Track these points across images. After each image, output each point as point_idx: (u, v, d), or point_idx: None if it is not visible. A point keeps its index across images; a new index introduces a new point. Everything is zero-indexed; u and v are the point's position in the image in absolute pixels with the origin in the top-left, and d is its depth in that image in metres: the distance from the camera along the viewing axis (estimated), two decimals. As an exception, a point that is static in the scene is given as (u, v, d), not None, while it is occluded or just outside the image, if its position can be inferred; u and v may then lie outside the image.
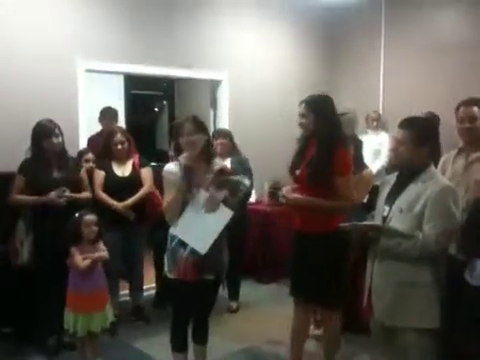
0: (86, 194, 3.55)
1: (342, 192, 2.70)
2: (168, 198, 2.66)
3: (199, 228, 2.63)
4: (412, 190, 2.29)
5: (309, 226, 2.78)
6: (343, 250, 2.79)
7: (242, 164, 4.12)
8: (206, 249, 2.61)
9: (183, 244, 2.62)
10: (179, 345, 2.84)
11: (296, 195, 2.78)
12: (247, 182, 2.75)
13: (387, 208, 2.37)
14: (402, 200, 2.30)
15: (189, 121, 2.68)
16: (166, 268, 2.73)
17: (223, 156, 4.05)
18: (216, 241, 2.63)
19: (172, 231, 2.68)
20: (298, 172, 2.79)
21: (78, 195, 3.45)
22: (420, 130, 2.32)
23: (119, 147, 3.80)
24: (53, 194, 3.26)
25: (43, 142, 3.34)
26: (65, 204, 3.30)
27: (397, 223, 2.29)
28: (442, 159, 2.97)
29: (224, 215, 2.67)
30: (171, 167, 2.69)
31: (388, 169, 5.14)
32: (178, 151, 2.71)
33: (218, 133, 4.27)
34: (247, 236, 4.43)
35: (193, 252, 2.60)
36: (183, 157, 2.65)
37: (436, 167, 2.67)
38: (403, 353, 2.31)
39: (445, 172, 2.82)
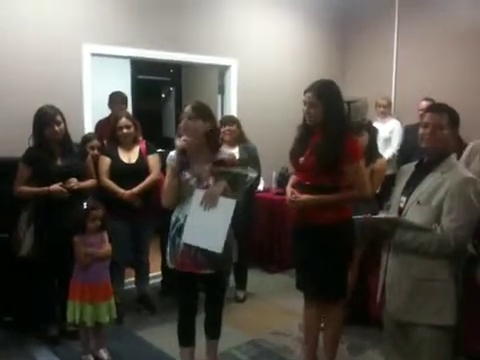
0: (91, 181, 3.48)
1: (352, 181, 2.60)
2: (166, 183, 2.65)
3: (206, 228, 2.52)
4: (431, 181, 2.18)
5: (312, 218, 2.67)
6: (345, 241, 2.69)
7: (250, 152, 4.04)
8: (221, 246, 2.51)
9: (180, 234, 2.58)
10: (184, 339, 2.79)
11: (304, 197, 2.65)
12: (252, 174, 2.64)
13: (404, 199, 2.26)
14: (420, 191, 2.19)
15: (190, 105, 2.62)
16: (167, 257, 2.70)
17: (231, 144, 3.97)
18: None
19: (174, 217, 2.66)
20: (302, 160, 2.68)
21: (84, 183, 3.38)
22: (452, 113, 2.23)
23: (124, 131, 3.71)
24: (57, 186, 3.19)
25: (44, 130, 3.26)
26: (69, 195, 3.24)
27: (414, 215, 2.18)
28: (468, 148, 2.87)
29: (227, 206, 2.54)
30: (172, 153, 2.65)
31: (399, 158, 5.05)
32: (178, 136, 2.67)
33: (225, 120, 4.19)
34: (255, 225, 4.37)
35: (186, 244, 2.56)
36: (178, 139, 2.59)
37: (459, 157, 2.58)
38: (416, 349, 2.23)
39: (471, 163, 2.72)
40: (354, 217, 2.30)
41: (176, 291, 2.79)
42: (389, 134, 5.21)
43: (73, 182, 3.26)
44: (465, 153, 2.81)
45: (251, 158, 3.96)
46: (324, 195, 2.61)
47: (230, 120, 4.16)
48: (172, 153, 2.66)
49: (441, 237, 2.10)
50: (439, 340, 2.17)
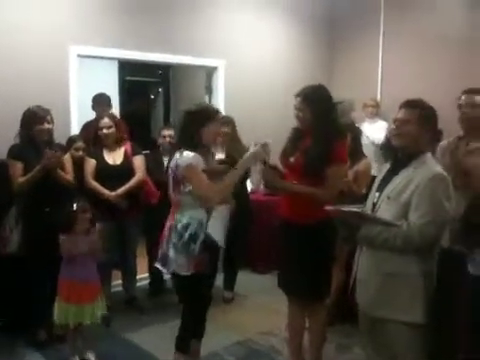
0: (68, 177, 3.45)
1: (329, 182, 2.62)
2: (214, 184, 2.58)
3: (219, 223, 2.67)
4: (402, 177, 2.18)
5: (296, 215, 2.69)
6: (328, 242, 2.72)
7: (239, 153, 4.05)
8: (223, 242, 2.69)
9: (193, 239, 2.57)
10: (186, 346, 2.79)
11: (280, 181, 2.72)
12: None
13: (377, 195, 2.28)
14: (391, 187, 2.20)
15: (218, 110, 2.77)
16: (175, 266, 2.61)
17: (224, 145, 3.99)
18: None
19: (179, 224, 2.60)
20: (292, 160, 2.71)
21: (63, 174, 3.38)
22: (424, 110, 2.22)
23: (104, 131, 3.71)
24: (47, 152, 3.21)
25: (34, 128, 3.28)
26: (58, 167, 3.30)
27: (385, 211, 2.18)
28: (439, 146, 2.91)
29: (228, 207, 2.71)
30: (195, 156, 2.57)
31: (383, 154, 5.05)
32: (193, 140, 2.61)
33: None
34: (249, 228, 4.38)
35: (204, 246, 2.58)
36: (255, 146, 2.68)
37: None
38: (389, 345, 2.23)
39: (444, 160, 2.75)
40: (327, 207, 2.27)
41: (189, 297, 2.76)
42: (377, 135, 5.22)
43: (55, 149, 3.30)
44: (437, 152, 2.84)
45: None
46: (300, 185, 2.66)
47: (225, 121, 4.05)
48: (194, 156, 2.57)
49: (406, 233, 2.09)
50: (411, 337, 2.16)
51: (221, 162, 2.84)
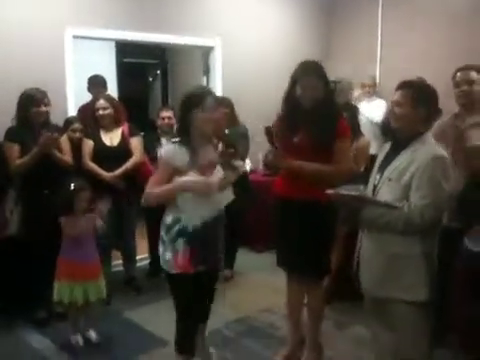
0: (66, 158, 3.48)
1: (339, 157, 2.64)
2: (163, 185, 2.34)
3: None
4: (402, 158, 2.18)
5: (297, 192, 2.68)
6: (329, 219, 2.71)
7: (239, 133, 4.06)
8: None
9: (181, 234, 2.36)
10: (190, 349, 2.53)
11: (299, 162, 2.65)
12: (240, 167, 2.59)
13: (378, 177, 2.28)
14: (391, 168, 2.20)
15: (210, 94, 2.41)
16: (162, 262, 2.44)
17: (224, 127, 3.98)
18: (212, 232, 2.45)
19: (168, 219, 2.41)
20: (296, 139, 2.67)
21: (60, 155, 3.41)
22: (418, 90, 2.21)
23: (100, 112, 3.71)
24: (44, 135, 3.22)
25: (31, 110, 3.29)
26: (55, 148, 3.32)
27: (386, 193, 2.19)
28: (436, 124, 2.89)
29: (227, 197, 2.55)
30: (175, 150, 2.35)
31: (383, 134, 5.05)
32: (185, 128, 2.39)
33: (219, 102, 4.14)
34: (249, 209, 4.40)
35: (190, 242, 2.36)
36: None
37: None
38: (393, 324, 2.27)
39: (442, 138, 2.74)
40: (327, 191, 2.25)
41: (177, 296, 2.50)
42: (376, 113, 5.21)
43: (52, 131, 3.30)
44: (434, 130, 2.83)
45: (241, 136, 4.01)
46: (317, 164, 2.63)
47: (224, 103, 3.99)
48: (173, 149, 2.36)
49: (408, 214, 2.10)
50: (415, 316, 2.19)
51: (223, 154, 2.51)
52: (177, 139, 2.40)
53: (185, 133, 2.38)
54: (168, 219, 2.41)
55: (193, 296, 2.46)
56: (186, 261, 2.38)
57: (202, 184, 2.31)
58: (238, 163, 2.54)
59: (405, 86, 2.23)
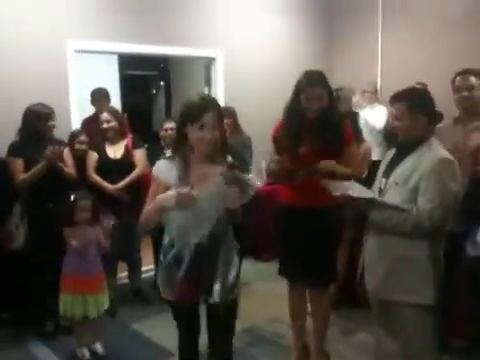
0: (70, 170, 3.50)
1: (351, 162, 2.68)
2: (150, 204, 2.09)
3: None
4: (409, 162, 2.20)
5: (302, 200, 2.68)
6: (335, 225, 2.72)
7: (242, 143, 4.07)
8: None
9: (178, 261, 2.13)
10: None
11: (328, 161, 2.60)
12: (255, 184, 2.18)
13: (383, 180, 2.30)
14: (398, 173, 2.22)
15: (214, 108, 2.07)
16: (160, 286, 2.23)
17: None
18: (217, 259, 2.15)
19: (166, 237, 2.19)
20: (302, 150, 2.67)
21: (65, 168, 3.44)
22: (411, 99, 2.23)
23: (105, 125, 3.75)
24: (49, 150, 3.25)
25: (39, 125, 3.33)
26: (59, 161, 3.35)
27: (392, 196, 2.21)
28: (436, 129, 2.90)
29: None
30: (165, 166, 2.16)
31: (386, 140, 5.06)
32: (180, 143, 2.15)
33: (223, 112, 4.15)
34: (256, 220, 4.39)
35: (188, 272, 2.11)
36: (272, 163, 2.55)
37: None
38: (401, 328, 2.27)
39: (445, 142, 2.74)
40: (334, 194, 2.24)
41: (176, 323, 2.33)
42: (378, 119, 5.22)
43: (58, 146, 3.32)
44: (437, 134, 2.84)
45: (244, 147, 4.04)
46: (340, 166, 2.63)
47: (226, 113, 3.96)
48: (162, 165, 2.18)
49: (416, 217, 2.12)
50: (421, 319, 2.19)
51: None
52: (170, 154, 2.26)
53: (180, 148, 2.15)
54: (165, 239, 2.21)
55: (191, 327, 2.30)
56: (182, 292, 2.15)
57: (183, 196, 1.96)
58: (250, 180, 2.11)
59: (398, 99, 2.26)
